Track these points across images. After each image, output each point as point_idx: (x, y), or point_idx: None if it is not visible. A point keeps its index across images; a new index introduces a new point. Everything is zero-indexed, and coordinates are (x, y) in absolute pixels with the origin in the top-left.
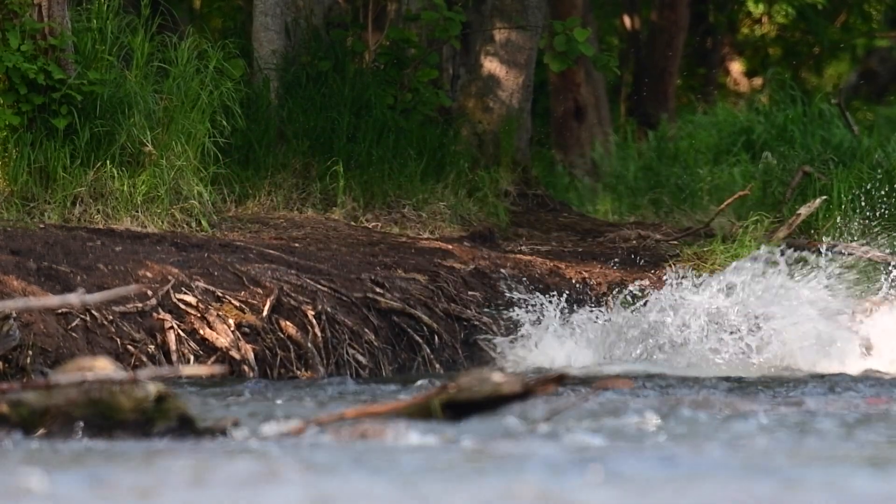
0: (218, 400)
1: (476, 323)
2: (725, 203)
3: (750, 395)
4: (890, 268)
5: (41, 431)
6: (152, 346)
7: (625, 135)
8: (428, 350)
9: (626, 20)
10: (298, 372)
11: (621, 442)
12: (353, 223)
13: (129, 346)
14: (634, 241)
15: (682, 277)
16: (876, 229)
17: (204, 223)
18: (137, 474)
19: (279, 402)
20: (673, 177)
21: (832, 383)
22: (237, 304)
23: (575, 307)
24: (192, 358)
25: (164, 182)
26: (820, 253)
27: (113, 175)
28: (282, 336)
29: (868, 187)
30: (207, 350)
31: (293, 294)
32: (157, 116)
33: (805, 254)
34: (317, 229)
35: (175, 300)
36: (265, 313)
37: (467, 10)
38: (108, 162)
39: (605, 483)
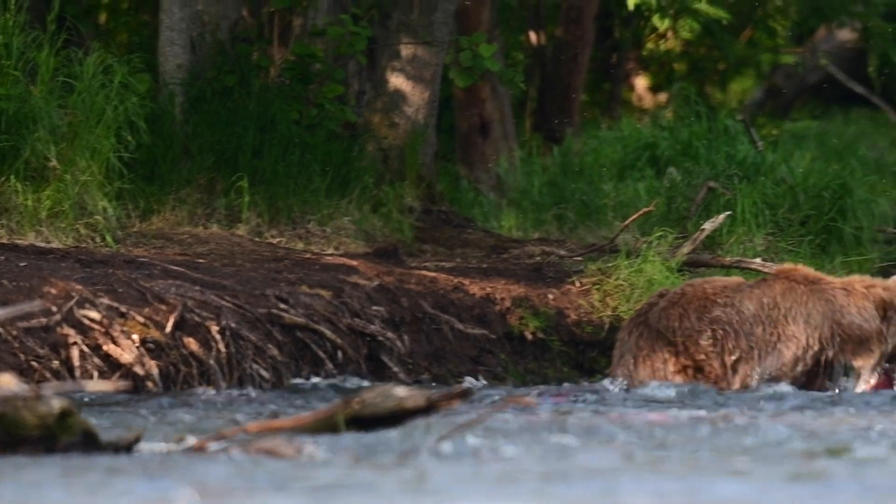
0: (122, 415)
1: (380, 338)
2: (630, 219)
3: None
4: None
5: None
6: (56, 362)
7: (530, 150)
8: (331, 365)
9: (532, 35)
10: (202, 387)
11: (525, 458)
12: (257, 239)
13: (33, 362)
14: (539, 258)
15: None
16: (780, 244)
17: (109, 239)
18: (41, 490)
19: (183, 417)
20: (578, 192)
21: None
22: (141, 319)
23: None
24: (96, 374)
25: (68, 197)
26: (724, 268)
27: (17, 190)
28: (185, 352)
29: (772, 203)
30: (111, 366)
31: (197, 310)
32: (62, 131)
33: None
34: (221, 245)
35: (79, 316)
36: (169, 329)
37: (373, 26)
38: (12, 177)
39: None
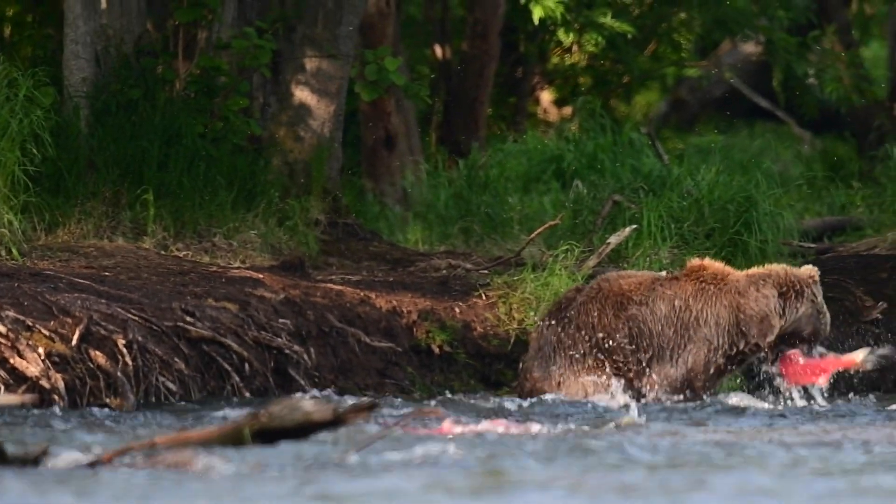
0: (28, 429)
1: (287, 352)
2: (536, 232)
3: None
4: None
5: None
6: None
7: (435, 163)
8: (238, 378)
9: (437, 49)
10: (109, 400)
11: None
12: (163, 252)
13: None
14: (445, 271)
15: None
16: (686, 257)
17: (14, 252)
18: None
19: (90, 430)
20: (483, 205)
21: None
22: (47, 333)
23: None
24: (2, 387)
25: None
26: None
27: None
28: (92, 365)
29: (678, 216)
30: (17, 379)
31: (103, 323)
32: None
33: None
34: (127, 258)
35: None
36: (75, 342)
37: (278, 39)
38: None
39: None
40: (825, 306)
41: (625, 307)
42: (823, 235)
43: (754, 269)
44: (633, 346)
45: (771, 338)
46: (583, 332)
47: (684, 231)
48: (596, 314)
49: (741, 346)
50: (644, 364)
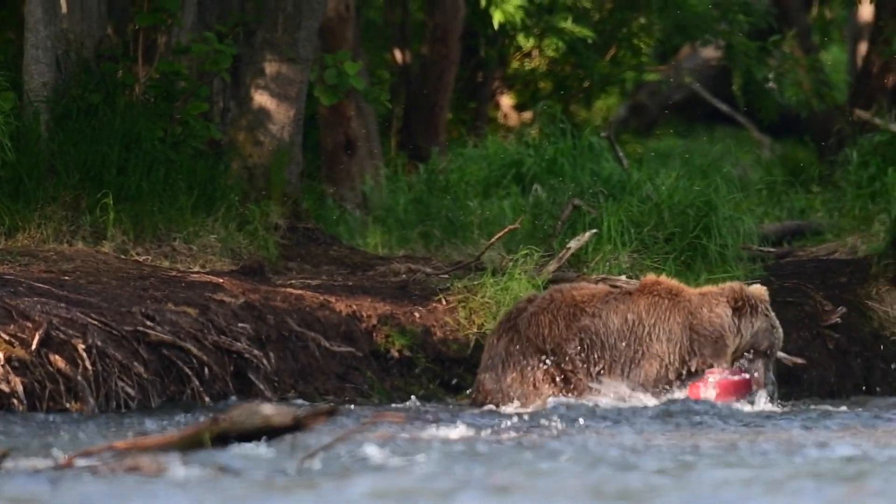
0: None
1: (247, 356)
2: (496, 237)
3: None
4: None
5: None
6: None
7: (395, 168)
8: (197, 382)
9: (397, 54)
10: (68, 405)
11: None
12: (123, 256)
13: None
14: (405, 275)
15: None
16: (645, 262)
17: None
18: None
19: (49, 434)
20: (443, 210)
21: None
22: (6, 337)
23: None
24: None
25: None
26: None
27: None
28: (51, 369)
29: (637, 220)
30: None
31: (63, 328)
32: None
33: None
34: (87, 262)
35: None
36: (34, 347)
37: (238, 43)
38: None
39: None
40: (777, 321)
41: (577, 318)
42: (783, 240)
43: (707, 288)
44: (584, 358)
45: (725, 358)
46: (533, 343)
47: (644, 236)
48: (547, 325)
49: (693, 366)
50: (594, 377)
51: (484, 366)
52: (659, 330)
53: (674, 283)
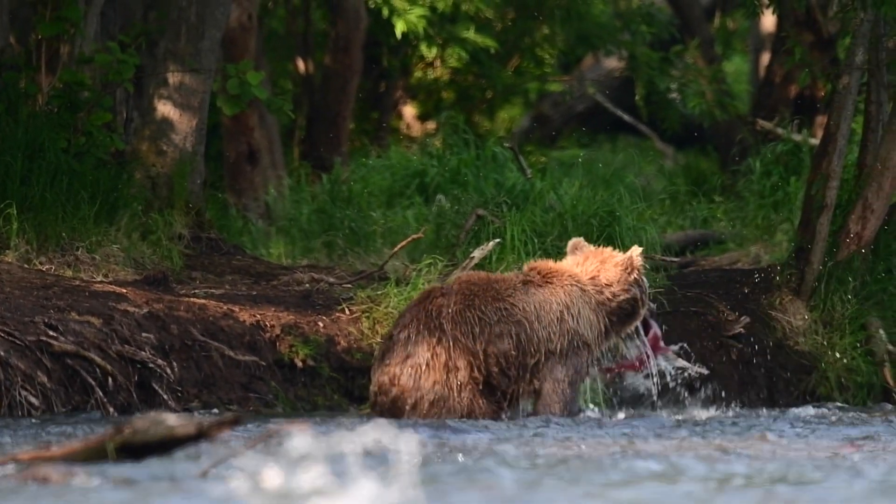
0: None
1: (150, 366)
2: (399, 246)
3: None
4: None
5: None
6: None
7: (298, 178)
8: (101, 392)
9: (300, 64)
10: None
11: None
12: (26, 266)
13: None
14: (308, 284)
15: None
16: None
17: None
18: None
19: None
20: (347, 220)
21: None
22: None
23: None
24: None
25: None
26: None
27: None
28: None
29: (541, 230)
30: None
31: None
32: None
33: None
34: None
35: None
36: None
37: (141, 53)
38: None
39: None
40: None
41: (510, 314)
42: (686, 249)
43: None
44: (517, 353)
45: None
46: (461, 342)
47: (547, 245)
48: (477, 323)
49: (604, 346)
50: (528, 370)
51: (395, 361)
52: (585, 318)
53: (554, 263)
